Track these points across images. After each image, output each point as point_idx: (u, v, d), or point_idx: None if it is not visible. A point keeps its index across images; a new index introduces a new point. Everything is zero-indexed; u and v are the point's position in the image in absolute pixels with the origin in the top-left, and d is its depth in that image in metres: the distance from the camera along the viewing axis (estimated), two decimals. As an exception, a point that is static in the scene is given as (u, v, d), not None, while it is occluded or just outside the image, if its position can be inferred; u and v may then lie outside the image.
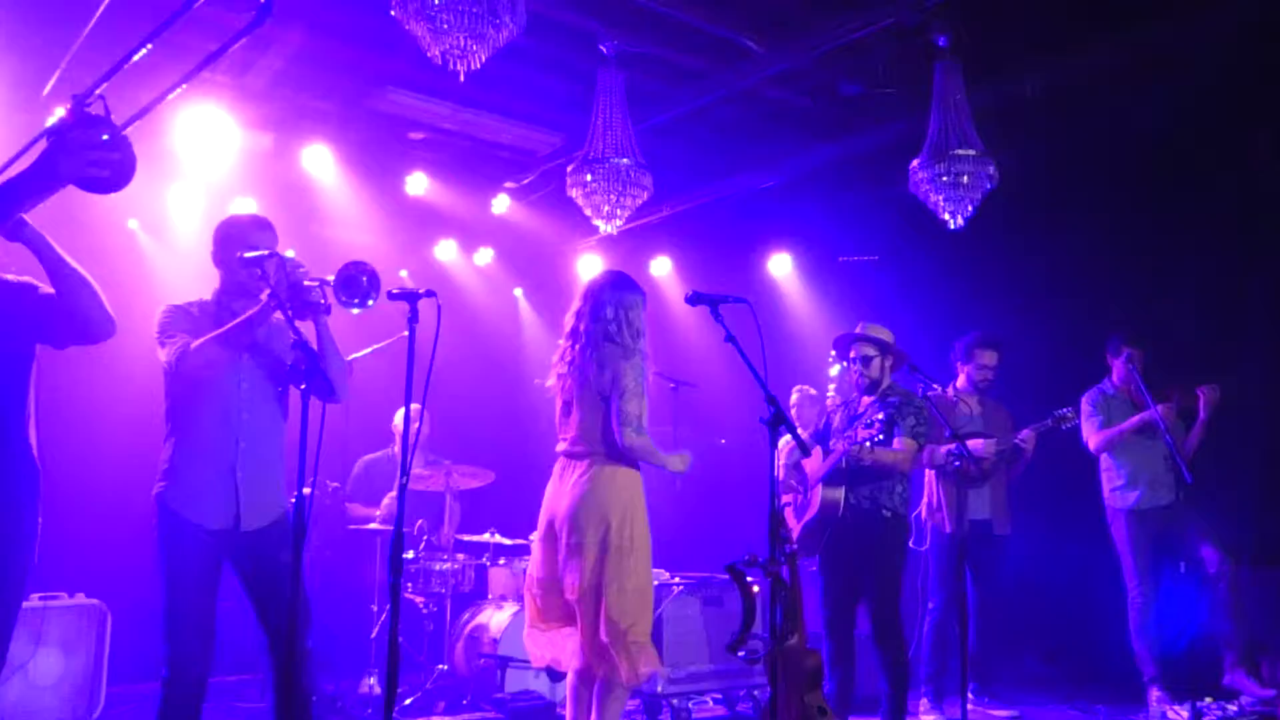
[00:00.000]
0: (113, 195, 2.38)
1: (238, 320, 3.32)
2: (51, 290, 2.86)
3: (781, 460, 5.41)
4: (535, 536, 4.11)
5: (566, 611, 3.91)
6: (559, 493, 3.96)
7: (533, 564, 4.06)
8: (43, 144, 2.39)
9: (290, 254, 3.45)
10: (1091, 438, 5.70)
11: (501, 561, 6.18)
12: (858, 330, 4.98)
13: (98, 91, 2.35)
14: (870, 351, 4.92)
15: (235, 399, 3.39)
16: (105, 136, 2.24)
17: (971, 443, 5.25)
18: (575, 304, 4.09)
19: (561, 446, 4.05)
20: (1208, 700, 5.26)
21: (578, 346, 3.98)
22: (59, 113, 5.19)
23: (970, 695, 5.51)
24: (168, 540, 3.31)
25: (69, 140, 2.18)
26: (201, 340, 3.29)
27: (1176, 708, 5.25)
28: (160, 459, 3.43)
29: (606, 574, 3.77)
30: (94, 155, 2.20)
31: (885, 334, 4.98)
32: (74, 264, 2.72)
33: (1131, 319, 5.96)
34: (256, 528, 3.38)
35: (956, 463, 5.12)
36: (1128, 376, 5.62)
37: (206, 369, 3.30)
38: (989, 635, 5.63)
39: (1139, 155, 6.12)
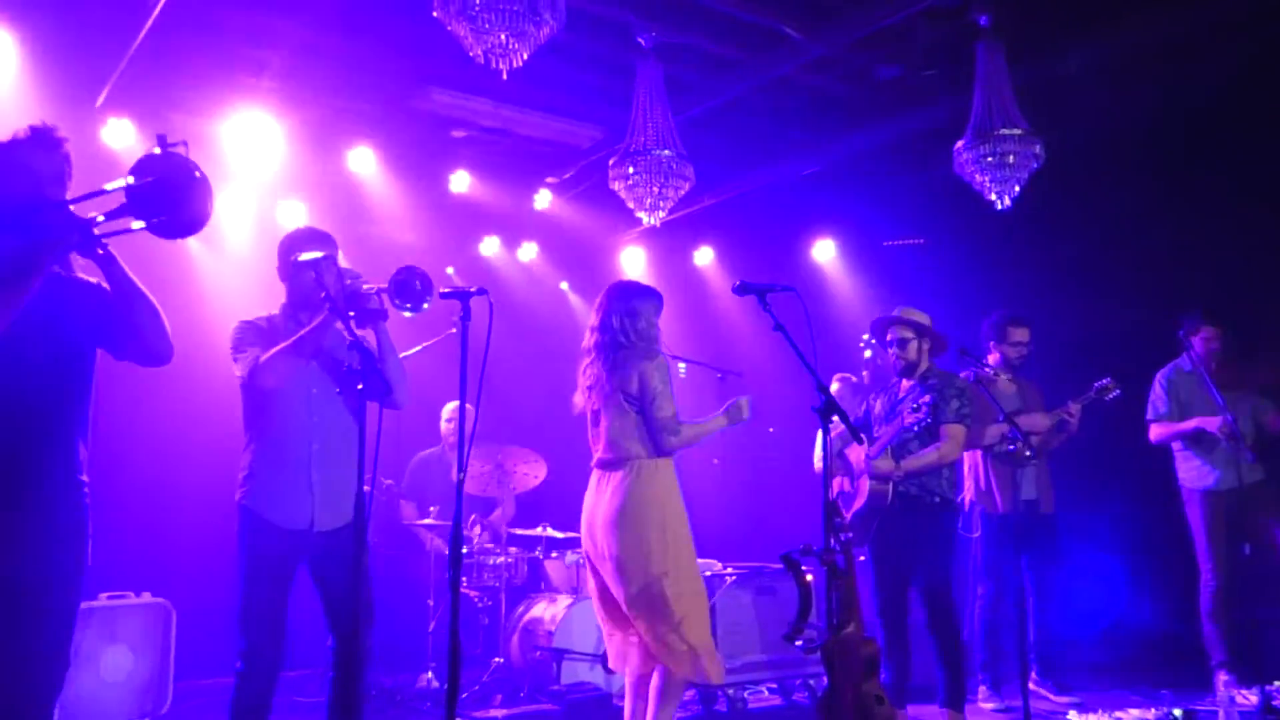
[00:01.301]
0: None
1: (301, 333, 3.44)
2: None
3: (820, 452, 5.40)
4: (584, 549, 4.20)
5: (621, 615, 3.97)
6: (596, 503, 4.03)
7: (589, 577, 4.16)
8: (124, 181, 2.47)
9: (344, 264, 3.53)
10: (1151, 428, 5.62)
11: (554, 555, 6.22)
12: (894, 313, 4.96)
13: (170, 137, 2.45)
14: (907, 334, 4.90)
15: (306, 404, 3.53)
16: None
17: (1027, 418, 5.20)
18: (589, 319, 4.19)
19: (595, 458, 4.11)
20: (1277, 684, 5.18)
21: (592, 359, 4.08)
22: (117, 123, 5.29)
23: (1033, 679, 5.48)
24: (247, 540, 3.48)
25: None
26: (270, 354, 3.42)
27: (1245, 692, 5.16)
28: (240, 465, 3.59)
29: (653, 575, 3.82)
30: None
31: (922, 317, 4.95)
32: (141, 287, 2.73)
33: (1181, 299, 5.86)
34: (331, 528, 3.51)
35: (1011, 446, 5.06)
36: (1206, 356, 5.53)
37: (277, 379, 3.43)
38: (1050, 620, 5.57)
39: (1186, 131, 6.02)
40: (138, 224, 2.48)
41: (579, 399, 4.18)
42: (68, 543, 2.74)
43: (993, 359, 5.71)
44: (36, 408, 2.68)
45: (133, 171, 2.47)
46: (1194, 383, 5.58)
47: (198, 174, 2.46)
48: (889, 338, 4.96)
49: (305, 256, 3.47)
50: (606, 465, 4.03)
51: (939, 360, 5.01)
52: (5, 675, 2.61)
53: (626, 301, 4.09)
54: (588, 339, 4.15)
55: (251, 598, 3.42)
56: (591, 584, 4.12)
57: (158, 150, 2.46)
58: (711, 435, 4.12)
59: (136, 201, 2.45)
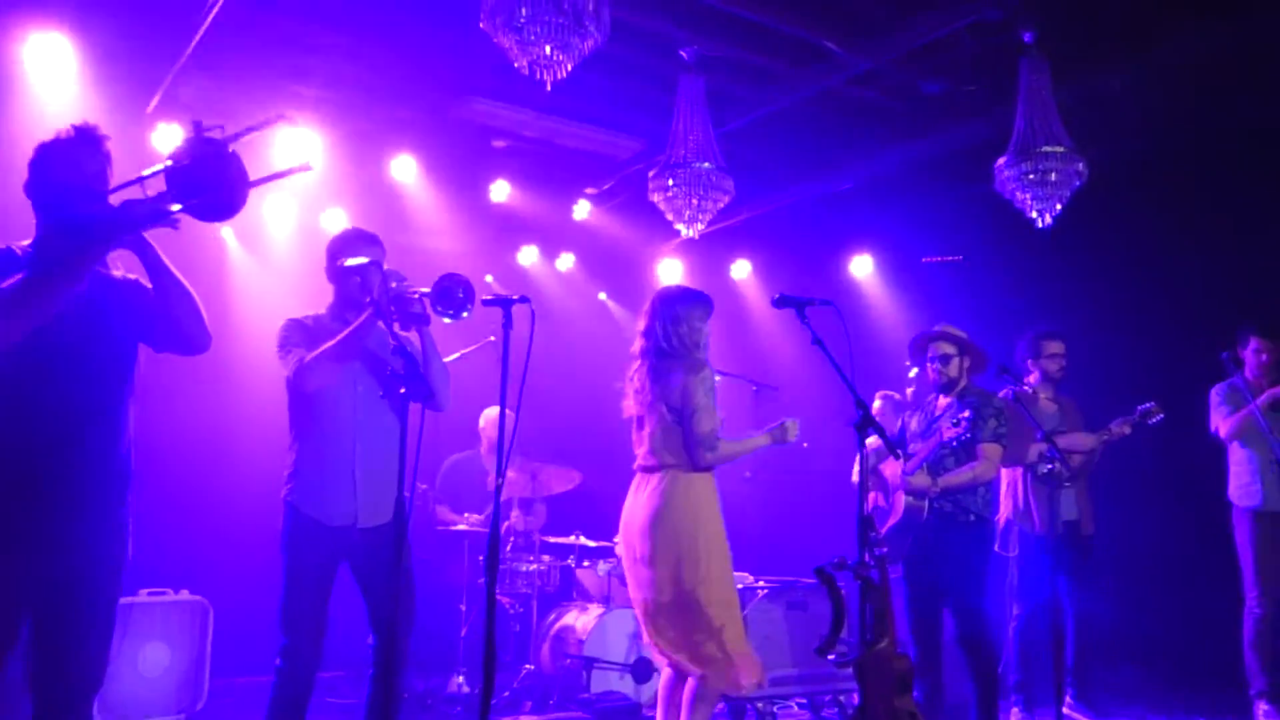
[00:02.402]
0: None
1: (345, 332, 3.48)
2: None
3: (858, 467, 5.38)
4: (620, 553, 4.22)
5: (657, 627, 3.96)
6: (634, 507, 4.04)
7: (628, 582, 4.16)
8: (163, 165, 2.53)
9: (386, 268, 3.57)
10: (1221, 425, 5.52)
11: (586, 563, 6.25)
12: (936, 329, 4.95)
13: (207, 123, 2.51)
14: (949, 350, 4.88)
15: (351, 404, 3.58)
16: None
17: (1068, 438, 5.15)
18: (637, 324, 4.21)
19: (637, 461, 4.13)
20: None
21: (638, 365, 4.10)
22: (166, 128, 5.41)
23: (1068, 702, 5.42)
24: (291, 537, 3.52)
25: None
26: (315, 353, 3.48)
27: (1284, 723, 5.09)
28: (286, 463, 3.64)
29: (686, 582, 3.83)
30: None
31: (962, 334, 4.94)
32: (178, 275, 2.79)
33: (1227, 319, 5.78)
34: (373, 525, 3.55)
35: (1050, 466, 5.02)
36: (1257, 370, 5.46)
37: (321, 379, 3.48)
38: (1085, 641, 5.50)
39: (1231, 149, 5.95)
40: (176, 206, 2.53)
41: (626, 403, 4.18)
42: (113, 538, 2.78)
43: (1032, 378, 5.66)
44: (85, 404, 2.73)
45: (171, 156, 2.52)
46: (1243, 401, 5.51)
47: (230, 152, 2.51)
48: (930, 354, 4.94)
49: (351, 261, 3.53)
50: (647, 470, 4.05)
51: (978, 379, 4.99)
52: (51, 670, 2.66)
53: (670, 307, 4.08)
54: (635, 344, 4.17)
55: (294, 595, 3.47)
56: (630, 593, 4.13)
57: (193, 135, 2.51)
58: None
59: (175, 184, 2.50)
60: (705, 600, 3.80)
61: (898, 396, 6.46)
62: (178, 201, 2.52)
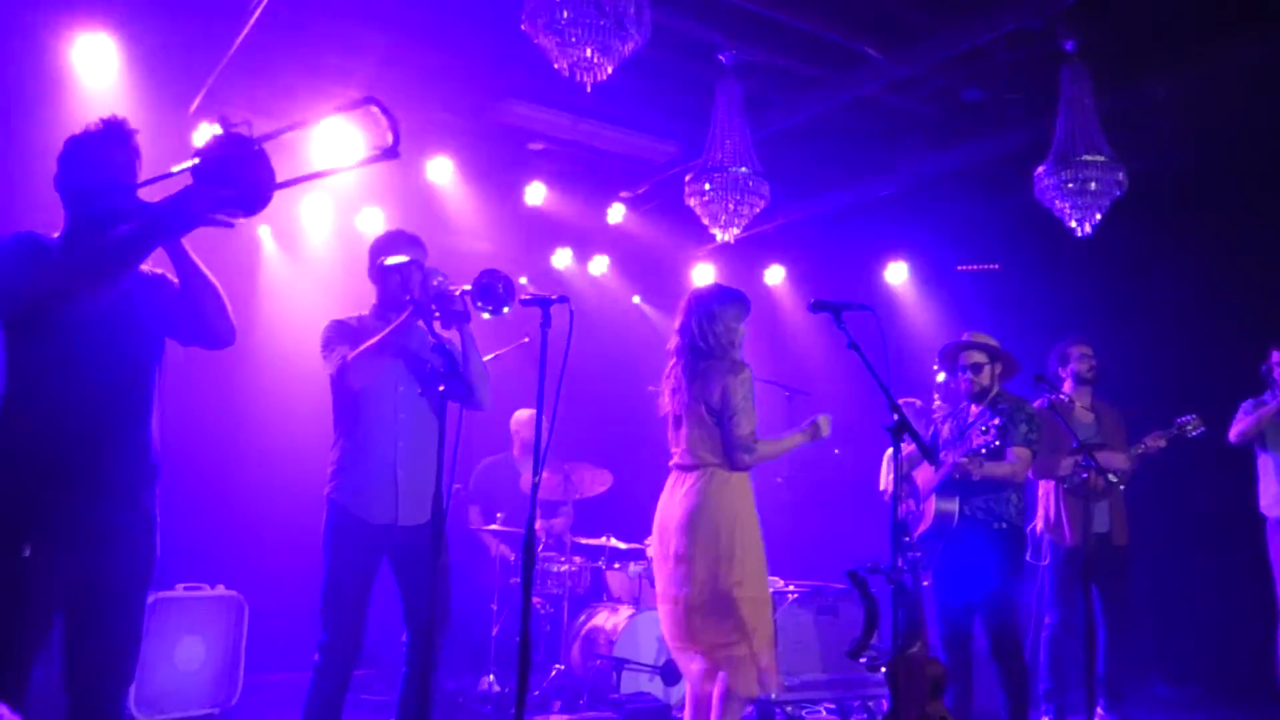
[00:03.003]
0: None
1: (385, 331, 3.52)
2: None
3: (889, 472, 5.37)
4: (652, 553, 4.18)
5: (689, 627, 3.90)
6: (671, 504, 4.02)
7: (657, 582, 4.10)
8: (191, 162, 2.56)
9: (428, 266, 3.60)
10: (1232, 429, 5.51)
11: (617, 565, 6.26)
12: (965, 338, 4.93)
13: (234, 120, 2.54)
14: (980, 358, 4.86)
15: (392, 402, 3.62)
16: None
17: (1102, 456, 5.10)
18: (674, 322, 4.19)
19: (673, 460, 4.11)
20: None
21: (674, 363, 4.08)
22: (203, 127, 5.49)
23: (1099, 714, 5.36)
24: (334, 534, 3.55)
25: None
26: (357, 351, 3.51)
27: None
28: (329, 461, 3.68)
29: (722, 581, 3.80)
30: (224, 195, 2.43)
31: (993, 342, 4.92)
32: (204, 269, 2.79)
33: (1267, 331, 5.71)
34: (414, 523, 3.58)
35: (1084, 474, 4.97)
36: None
37: (364, 377, 3.52)
38: (1117, 653, 5.45)
39: (1273, 160, 5.88)
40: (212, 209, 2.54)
41: (663, 401, 4.16)
42: (142, 530, 2.79)
43: (1066, 387, 5.61)
44: (112, 396, 2.73)
45: (198, 153, 2.56)
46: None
47: (257, 148, 2.53)
48: (961, 363, 4.92)
49: (392, 260, 3.57)
50: (684, 468, 4.02)
51: (1009, 385, 4.97)
52: (84, 663, 2.67)
53: (706, 305, 4.06)
54: (670, 341, 4.15)
55: (335, 592, 3.49)
56: (659, 589, 4.06)
57: (220, 130, 2.54)
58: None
59: (203, 179, 2.53)
60: (740, 599, 3.78)
61: (919, 403, 6.42)
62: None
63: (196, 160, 2.54)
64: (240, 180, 2.51)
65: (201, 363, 3.13)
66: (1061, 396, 5.34)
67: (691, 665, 3.96)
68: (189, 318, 2.84)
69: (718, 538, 3.83)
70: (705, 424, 3.94)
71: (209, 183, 2.51)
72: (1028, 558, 5.50)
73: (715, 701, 3.83)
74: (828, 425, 4.11)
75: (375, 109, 2.52)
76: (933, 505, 4.82)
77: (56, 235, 2.78)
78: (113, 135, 2.77)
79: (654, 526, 4.09)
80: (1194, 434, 5.34)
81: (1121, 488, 5.30)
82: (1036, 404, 5.08)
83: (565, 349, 3.01)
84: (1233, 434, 5.53)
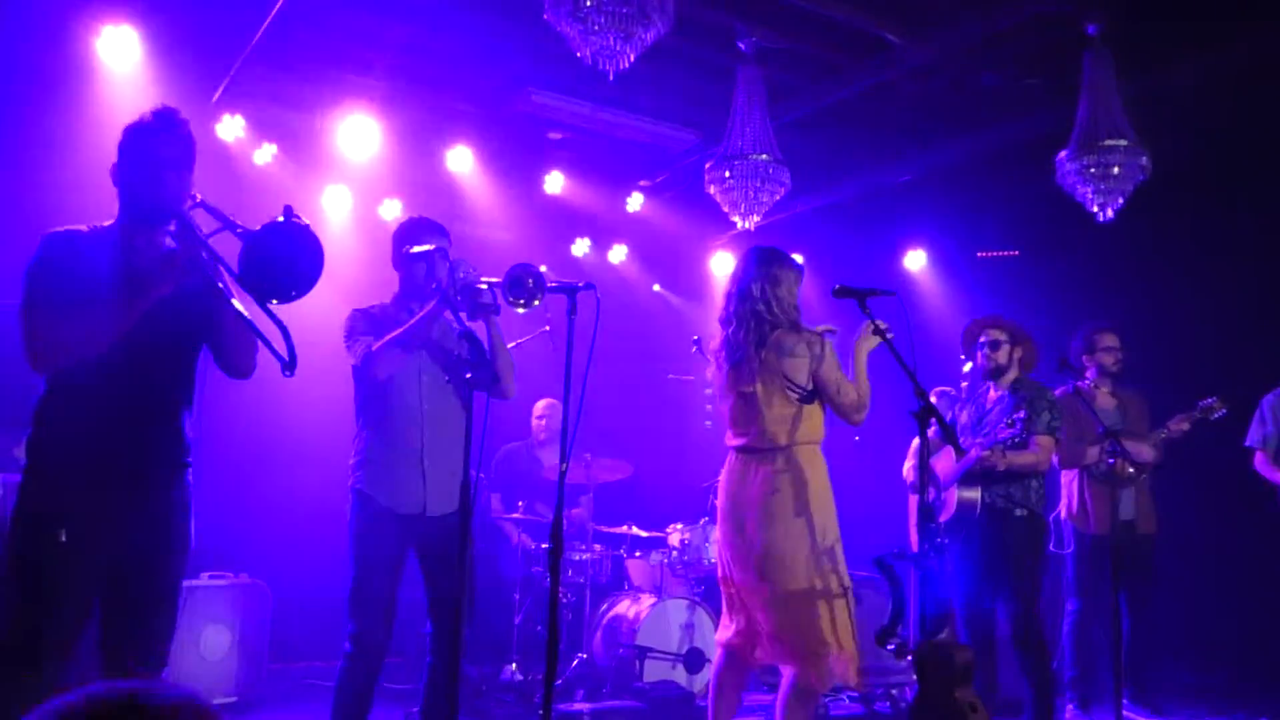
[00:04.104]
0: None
1: (411, 321, 3.51)
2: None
3: (910, 461, 5.36)
4: (717, 537, 3.91)
5: (749, 616, 3.72)
6: (747, 489, 3.66)
7: (722, 567, 3.82)
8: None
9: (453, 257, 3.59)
10: (1255, 455, 5.51)
11: (638, 554, 6.27)
12: (987, 316, 4.93)
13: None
14: (1000, 335, 4.85)
15: (416, 392, 3.59)
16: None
17: (1130, 443, 5.08)
18: (725, 286, 3.88)
19: (738, 442, 3.74)
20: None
21: (734, 331, 3.73)
22: (231, 120, 5.48)
23: (1125, 703, 5.34)
24: (361, 525, 3.54)
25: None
26: (381, 342, 3.49)
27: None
28: (353, 451, 3.66)
29: (804, 568, 3.53)
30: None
31: (1014, 324, 4.91)
32: (243, 312, 2.76)
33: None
34: (441, 513, 3.56)
35: (1110, 460, 4.93)
36: None
37: (389, 367, 3.50)
38: (1141, 642, 5.42)
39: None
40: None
41: (713, 374, 3.84)
42: (181, 521, 2.83)
43: (1089, 374, 5.58)
44: (153, 388, 2.78)
45: (263, 229, 2.59)
46: None
47: (313, 235, 2.62)
48: (981, 340, 4.90)
49: (418, 249, 3.56)
50: (756, 451, 3.66)
51: (1034, 375, 4.95)
52: (123, 648, 2.71)
53: (769, 267, 3.73)
54: (724, 308, 3.80)
55: (363, 582, 3.47)
56: (726, 574, 3.79)
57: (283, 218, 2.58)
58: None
59: (248, 251, 2.58)
60: (823, 587, 3.51)
61: (953, 392, 6.39)
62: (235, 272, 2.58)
63: (256, 229, 2.58)
64: (274, 273, 2.54)
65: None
66: (1084, 383, 5.31)
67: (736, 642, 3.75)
68: (217, 345, 2.89)
69: (808, 526, 3.55)
70: (788, 400, 3.63)
71: (245, 263, 2.54)
72: (1050, 546, 5.49)
73: (782, 697, 3.55)
74: (875, 324, 3.72)
75: None
76: (955, 494, 4.82)
77: (109, 224, 2.80)
78: (164, 127, 2.77)
79: (723, 517, 3.76)
80: (1216, 416, 5.31)
81: (1143, 476, 5.28)
82: (1059, 391, 5.05)
83: (592, 336, 3.01)
84: (1256, 463, 5.52)
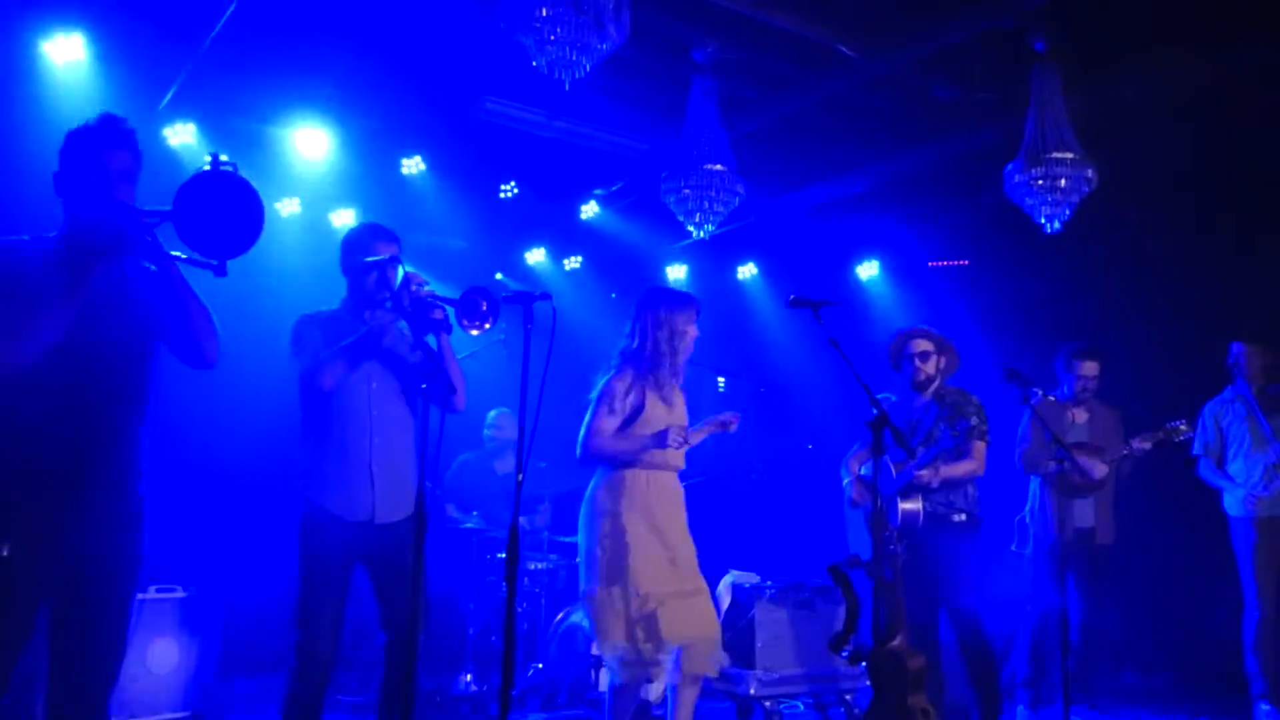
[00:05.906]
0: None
1: (362, 332, 3.45)
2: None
3: (855, 469, 5.39)
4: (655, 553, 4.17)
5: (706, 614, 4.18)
6: (675, 505, 4.26)
7: (671, 581, 4.17)
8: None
9: (407, 268, 3.55)
10: (1199, 462, 5.64)
11: (594, 563, 6.24)
12: (912, 327, 4.98)
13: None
14: (927, 346, 4.91)
15: (366, 399, 3.53)
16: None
17: (1084, 457, 5.15)
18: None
19: (680, 464, 4.34)
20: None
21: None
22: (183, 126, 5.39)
23: (1021, 712, 5.43)
24: (309, 533, 3.47)
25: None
26: (331, 352, 3.44)
27: (1285, 723, 5.11)
28: (300, 459, 3.59)
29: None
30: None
31: (939, 335, 4.97)
32: (193, 292, 2.76)
33: (1235, 328, 5.77)
34: (391, 521, 3.51)
35: (1057, 466, 5.00)
36: (1250, 375, 5.48)
37: (335, 380, 3.44)
38: (1091, 647, 5.50)
39: (1242, 160, 5.96)
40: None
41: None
42: (130, 533, 2.75)
43: (1067, 389, 5.65)
44: (103, 391, 2.68)
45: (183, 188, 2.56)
46: (1238, 410, 5.54)
47: (247, 184, 2.60)
48: (908, 351, 4.95)
49: (371, 258, 3.52)
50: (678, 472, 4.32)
51: (953, 380, 5.00)
52: (72, 664, 2.63)
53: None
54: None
55: (311, 591, 3.41)
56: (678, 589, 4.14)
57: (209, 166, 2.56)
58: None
59: (179, 215, 2.55)
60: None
61: (894, 399, 6.45)
62: (171, 220, 2.54)
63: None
64: (214, 223, 2.51)
65: (170, 361, 3.07)
66: (1050, 397, 5.40)
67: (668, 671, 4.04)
68: (180, 335, 2.79)
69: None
70: None
71: (177, 218, 2.51)
72: (1012, 546, 5.57)
73: (690, 691, 4.00)
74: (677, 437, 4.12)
75: None
76: (897, 505, 4.86)
77: (51, 235, 2.72)
78: (111, 135, 2.71)
79: (656, 527, 4.11)
80: (1182, 439, 5.41)
81: (1097, 489, 5.37)
82: (1034, 402, 5.10)
83: (548, 345, 3.00)
84: (1201, 470, 5.66)
